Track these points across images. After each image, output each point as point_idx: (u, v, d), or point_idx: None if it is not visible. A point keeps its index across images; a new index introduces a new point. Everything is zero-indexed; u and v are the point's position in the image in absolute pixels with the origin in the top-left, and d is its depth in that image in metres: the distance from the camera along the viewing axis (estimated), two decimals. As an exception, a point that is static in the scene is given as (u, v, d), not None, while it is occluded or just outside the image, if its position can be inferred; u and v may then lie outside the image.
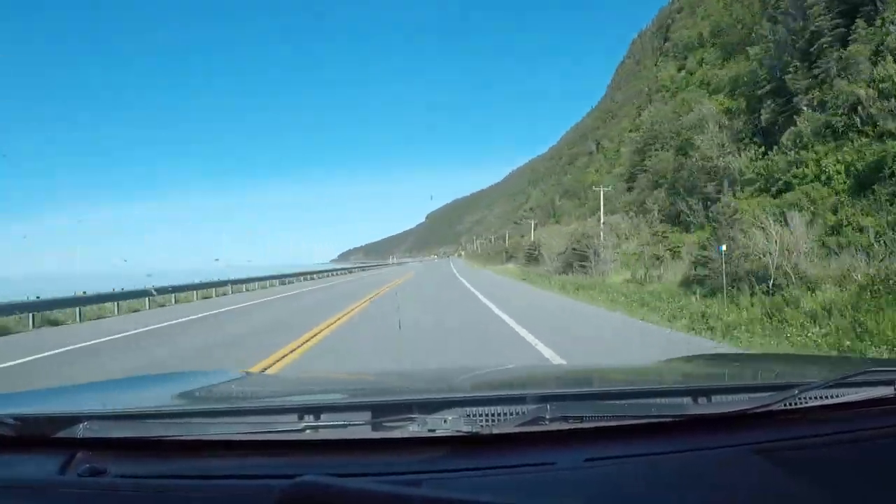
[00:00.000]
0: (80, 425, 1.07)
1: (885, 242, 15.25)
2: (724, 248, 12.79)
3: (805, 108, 27.20)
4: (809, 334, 7.66)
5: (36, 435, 1.11)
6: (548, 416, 1.08)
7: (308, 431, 1.06)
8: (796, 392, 1.16)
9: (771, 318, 9.19)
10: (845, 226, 18.63)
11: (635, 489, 0.97)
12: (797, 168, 24.40)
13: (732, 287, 12.91)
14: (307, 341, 8.50)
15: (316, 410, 1.13)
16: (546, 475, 1.00)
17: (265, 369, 6.27)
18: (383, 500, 0.80)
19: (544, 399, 1.15)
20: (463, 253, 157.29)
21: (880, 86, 22.28)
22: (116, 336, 10.80)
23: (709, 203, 27.50)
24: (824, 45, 27.64)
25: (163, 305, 18.54)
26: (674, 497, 0.95)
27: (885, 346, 6.48)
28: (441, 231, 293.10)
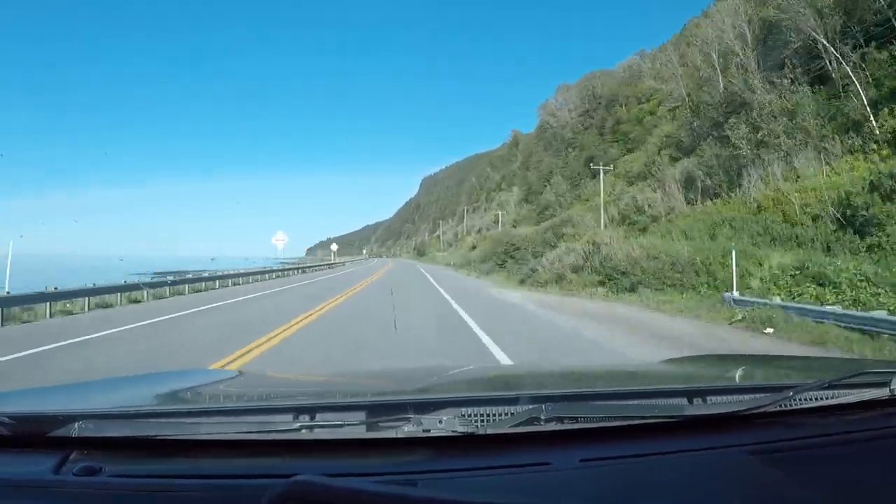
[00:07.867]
0: (75, 424, 1.07)
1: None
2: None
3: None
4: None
5: (30, 434, 1.10)
6: (543, 417, 1.08)
7: (303, 431, 1.06)
8: (791, 393, 1.16)
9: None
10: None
11: (630, 490, 0.98)
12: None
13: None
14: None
15: (311, 410, 1.13)
16: (541, 475, 1.00)
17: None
18: (378, 501, 0.80)
19: (539, 399, 1.16)
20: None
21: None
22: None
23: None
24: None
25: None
26: (669, 498, 0.96)
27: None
28: (442, 205, 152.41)
